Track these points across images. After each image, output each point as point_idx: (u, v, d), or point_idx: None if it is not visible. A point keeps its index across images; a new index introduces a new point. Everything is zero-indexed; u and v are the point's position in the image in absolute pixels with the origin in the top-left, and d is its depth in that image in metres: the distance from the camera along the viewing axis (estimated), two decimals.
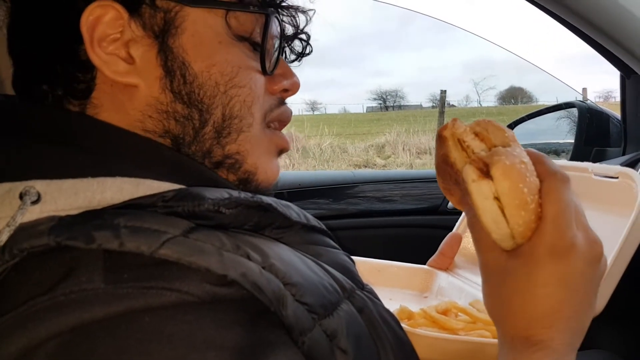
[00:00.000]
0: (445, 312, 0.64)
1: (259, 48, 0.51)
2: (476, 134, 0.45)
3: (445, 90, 9.37)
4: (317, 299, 0.42)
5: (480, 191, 0.40)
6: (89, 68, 0.47)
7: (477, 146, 0.44)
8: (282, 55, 0.56)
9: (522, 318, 0.42)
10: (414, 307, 0.66)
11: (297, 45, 0.59)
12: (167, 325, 0.35)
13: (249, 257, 0.40)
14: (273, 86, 0.54)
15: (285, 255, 0.44)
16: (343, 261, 0.54)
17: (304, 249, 0.50)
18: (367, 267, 0.78)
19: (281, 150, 0.56)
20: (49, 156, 0.43)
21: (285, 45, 0.58)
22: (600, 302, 0.58)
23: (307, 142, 8.66)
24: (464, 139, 0.44)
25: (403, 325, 0.53)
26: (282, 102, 0.55)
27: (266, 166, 0.53)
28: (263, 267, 0.40)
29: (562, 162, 0.72)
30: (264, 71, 0.51)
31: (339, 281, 0.48)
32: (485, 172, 0.40)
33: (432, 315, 0.61)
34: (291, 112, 0.57)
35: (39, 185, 0.40)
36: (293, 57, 0.60)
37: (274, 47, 0.54)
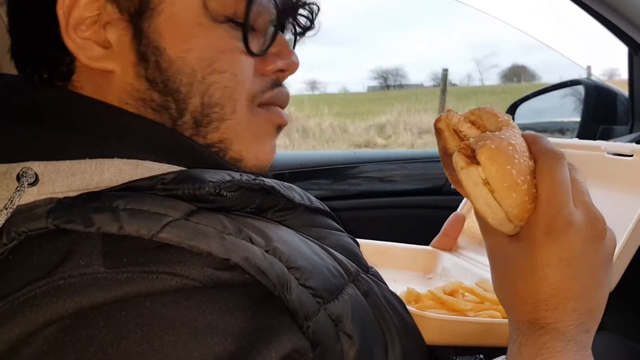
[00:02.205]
0: (452, 293, 0.63)
1: (241, 27, 0.48)
2: (472, 123, 0.44)
3: (447, 69, 9.34)
4: (322, 282, 0.42)
5: (470, 177, 0.40)
6: (68, 51, 0.45)
7: (473, 134, 0.44)
8: (279, 32, 0.52)
9: (527, 302, 0.42)
10: (419, 288, 0.65)
11: (302, 19, 0.55)
12: (168, 311, 0.34)
13: (251, 241, 0.39)
14: (265, 67, 0.50)
15: (288, 238, 0.43)
16: (347, 244, 0.53)
17: (308, 231, 0.49)
18: (370, 249, 0.78)
19: (280, 127, 0.53)
20: (46, 137, 0.42)
21: (285, 20, 0.54)
22: (612, 279, 0.57)
23: (307, 122, 8.64)
24: (460, 128, 0.44)
25: (411, 308, 0.52)
26: (276, 84, 0.51)
27: (257, 150, 0.51)
28: (266, 251, 0.39)
29: (574, 142, 0.71)
30: (250, 52, 0.48)
31: (344, 264, 0.47)
32: (473, 158, 0.40)
33: (440, 296, 0.60)
34: (288, 95, 0.53)
35: (36, 166, 0.39)
36: (295, 33, 0.56)
37: (267, 24, 0.50)
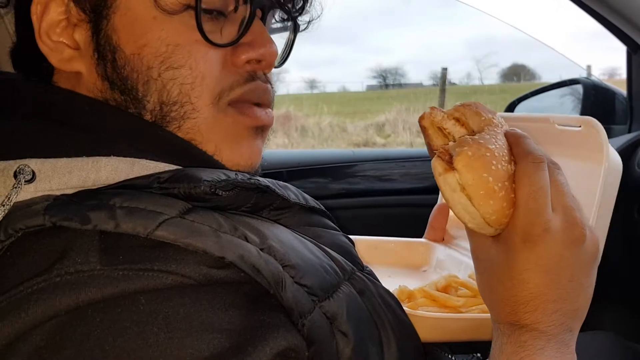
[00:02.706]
0: (445, 289, 0.63)
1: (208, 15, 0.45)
2: (456, 120, 0.44)
3: (447, 68, 9.32)
4: (317, 281, 0.42)
5: (447, 184, 0.40)
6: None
7: (457, 132, 0.44)
8: (257, 19, 0.47)
9: (507, 304, 0.42)
10: (413, 283, 0.65)
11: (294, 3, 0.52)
12: (163, 308, 0.34)
13: (246, 239, 0.39)
14: (236, 58, 0.46)
15: (283, 237, 0.43)
16: (343, 243, 0.53)
17: (303, 230, 0.49)
18: (363, 244, 0.78)
19: (258, 128, 0.49)
20: (43, 135, 0.42)
21: (263, 6, 0.49)
22: None
23: (306, 121, 8.63)
24: (444, 126, 0.44)
25: (404, 307, 0.52)
26: (251, 78, 0.47)
27: (232, 152, 0.47)
28: (261, 249, 0.40)
29: (523, 115, 0.71)
30: (210, 42, 0.44)
31: (339, 263, 0.47)
32: (452, 163, 0.40)
33: (432, 294, 0.61)
34: (266, 90, 0.49)
35: (33, 163, 0.39)
36: (284, 18, 0.54)
37: (235, 10, 0.47)
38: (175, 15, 0.44)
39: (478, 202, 0.40)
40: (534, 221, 0.40)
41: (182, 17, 0.44)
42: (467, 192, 0.40)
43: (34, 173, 0.39)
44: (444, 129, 0.44)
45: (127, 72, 0.45)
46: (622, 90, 1.46)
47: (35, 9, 0.45)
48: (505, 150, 0.42)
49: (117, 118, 0.45)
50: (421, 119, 0.45)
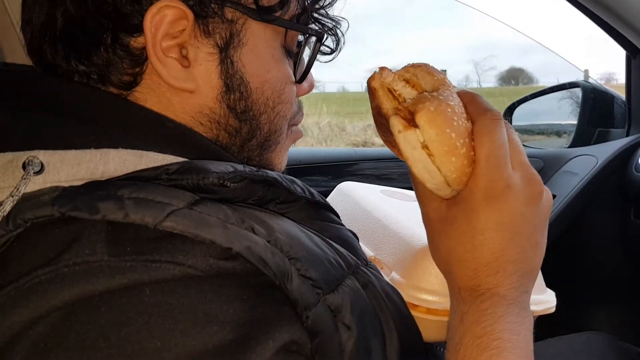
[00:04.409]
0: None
1: (294, 58, 0.52)
2: (406, 81, 0.43)
3: (446, 70, 9.28)
4: (322, 274, 0.42)
5: (408, 141, 0.39)
6: (139, 62, 0.45)
7: (408, 93, 0.42)
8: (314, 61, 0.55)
9: (467, 267, 0.41)
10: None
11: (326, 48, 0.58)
12: (169, 299, 0.34)
13: (253, 231, 0.40)
14: (299, 92, 0.54)
15: (290, 230, 0.44)
16: (347, 237, 0.54)
17: (309, 224, 0.50)
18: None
19: (295, 141, 0.58)
20: (52, 126, 0.42)
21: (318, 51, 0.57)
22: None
23: (306, 121, 8.62)
24: (394, 87, 0.42)
25: (413, 313, 0.53)
26: (301, 107, 0.56)
27: (283, 161, 0.56)
28: (268, 241, 0.40)
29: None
30: (298, 81, 0.53)
31: (344, 257, 0.48)
32: (411, 121, 0.39)
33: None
34: (303, 115, 0.58)
35: (42, 155, 0.39)
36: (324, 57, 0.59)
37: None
38: (288, 58, 0.50)
39: (440, 160, 0.39)
40: (496, 178, 0.40)
41: (288, 60, 0.51)
42: (428, 149, 0.39)
43: (42, 165, 0.39)
44: (394, 90, 0.42)
45: (250, 103, 0.49)
46: (620, 94, 1.47)
47: (151, 18, 0.43)
48: (462, 109, 0.41)
49: (126, 111, 0.45)
50: (371, 79, 0.43)
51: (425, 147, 0.39)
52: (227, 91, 0.47)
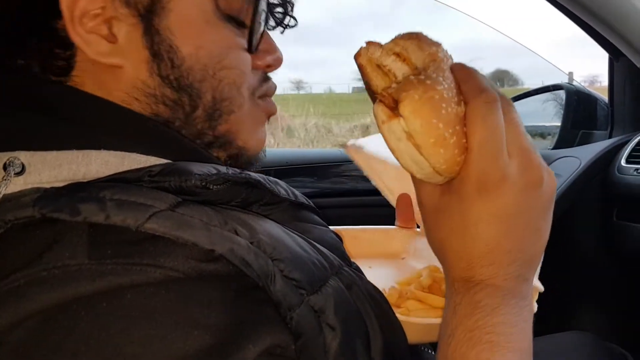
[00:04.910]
0: (431, 287, 0.63)
1: (245, 25, 0.50)
2: (397, 55, 0.39)
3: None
4: (305, 275, 0.42)
5: (392, 132, 0.36)
6: (68, 45, 0.44)
7: (399, 69, 0.39)
8: (266, 28, 0.54)
9: (461, 258, 0.40)
10: (394, 272, 0.65)
11: (279, 14, 0.58)
12: (150, 303, 0.34)
13: (236, 233, 0.40)
14: (257, 62, 0.52)
15: (273, 231, 0.44)
16: (331, 238, 0.54)
17: (292, 225, 0.49)
18: (343, 234, 0.78)
19: (269, 116, 0.56)
20: (33, 127, 0.42)
21: (270, 17, 0.56)
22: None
23: (292, 122, 8.61)
24: (383, 63, 0.39)
25: (398, 315, 0.53)
26: (267, 77, 0.54)
27: (255, 138, 0.53)
28: (251, 243, 0.40)
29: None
30: (249, 49, 0.50)
31: (327, 258, 0.48)
32: (396, 109, 0.36)
33: (419, 295, 0.61)
34: (276, 87, 0.56)
35: (23, 156, 0.39)
36: (275, 27, 0.58)
37: (253, 21, 0.52)
38: (226, 22, 0.48)
39: (427, 152, 0.36)
40: (489, 169, 0.38)
41: (229, 24, 0.49)
42: (414, 140, 0.36)
43: (23, 165, 0.39)
44: (384, 66, 0.39)
45: (184, 71, 0.46)
46: (603, 96, 1.49)
47: None
48: (454, 89, 0.37)
49: (108, 111, 0.45)
50: (357, 55, 0.40)
51: (411, 136, 0.36)
52: (155, 60, 0.46)
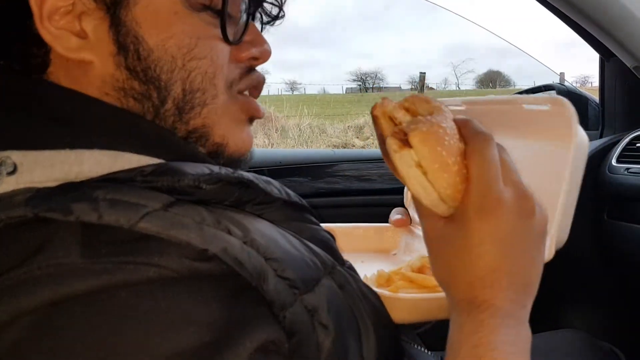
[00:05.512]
0: (420, 269, 0.64)
1: (219, 14, 0.49)
2: (406, 109, 0.45)
3: (425, 73, 9.42)
4: (299, 274, 0.42)
5: (403, 160, 0.41)
6: (42, 43, 0.45)
7: (407, 121, 0.44)
8: (251, 20, 0.53)
9: (464, 281, 0.43)
10: (386, 266, 0.66)
11: (270, 7, 0.57)
12: (144, 301, 0.34)
13: (229, 232, 0.40)
14: (240, 54, 0.51)
15: (266, 231, 0.44)
16: (324, 237, 0.54)
17: (286, 225, 0.50)
18: (335, 232, 0.79)
19: (252, 118, 0.54)
20: (26, 127, 0.42)
21: (256, 9, 0.55)
22: (563, 234, 0.58)
23: (286, 122, 8.60)
24: (394, 115, 0.45)
25: (384, 291, 0.53)
26: (251, 70, 0.53)
27: (236, 136, 0.52)
28: (244, 242, 0.40)
29: (490, 98, 0.71)
30: (226, 40, 0.49)
31: (321, 257, 0.48)
32: (406, 141, 0.41)
33: (409, 275, 0.62)
34: (264, 78, 0.55)
35: (15, 155, 0.39)
36: (266, 20, 0.58)
37: (240, 12, 0.52)
38: (198, 12, 0.47)
39: (433, 176, 0.41)
40: (487, 192, 0.41)
41: (202, 14, 0.48)
42: (422, 167, 0.41)
43: (15, 165, 0.38)
44: (395, 118, 0.45)
45: (150, 62, 0.46)
46: (594, 96, 1.50)
47: None
48: (455, 131, 0.43)
49: (101, 111, 0.45)
50: (373, 109, 0.46)
51: (419, 165, 0.41)
52: (122, 52, 0.46)
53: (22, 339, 0.32)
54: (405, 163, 0.41)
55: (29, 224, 0.36)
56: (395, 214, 0.86)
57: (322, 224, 0.57)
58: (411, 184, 0.42)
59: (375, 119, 0.46)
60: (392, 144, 0.42)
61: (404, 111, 0.45)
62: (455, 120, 0.44)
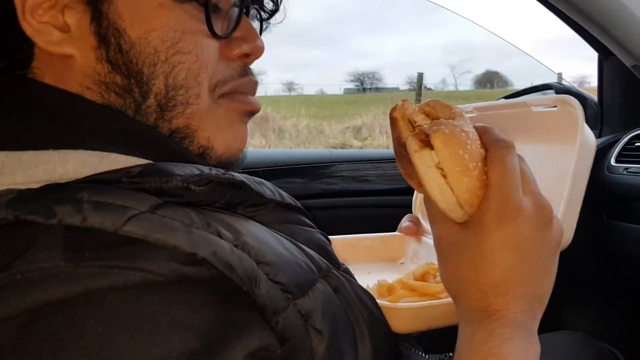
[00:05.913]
0: (423, 276, 0.64)
1: (216, 10, 0.48)
2: (426, 114, 0.45)
3: (423, 73, 9.43)
4: (292, 278, 0.41)
5: (423, 160, 0.41)
6: (26, 37, 0.44)
7: (427, 125, 0.44)
8: (244, 15, 0.51)
9: (477, 288, 0.42)
10: (393, 276, 0.66)
11: (267, 3, 0.55)
12: (130, 306, 0.33)
13: (219, 235, 0.39)
14: (230, 51, 0.49)
15: (258, 233, 0.43)
16: (319, 240, 0.53)
17: (279, 227, 0.49)
18: (340, 244, 0.79)
19: (249, 113, 0.52)
20: (8, 126, 0.41)
21: (248, 3, 0.53)
22: (567, 234, 0.58)
23: (284, 123, 8.61)
24: (414, 119, 0.45)
25: (384, 302, 0.52)
26: (245, 72, 0.50)
27: (225, 138, 0.49)
28: (235, 245, 0.39)
29: (499, 102, 0.72)
30: (213, 34, 0.47)
31: (315, 260, 0.47)
32: (427, 142, 0.41)
33: (410, 284, 0.61)
34: (256, 84, 0.52)
35: None
36: (265, 17, 0.56)
37: (230, 7, 0.50)
38: (181, 4, 0.46)
39: (453, 179, 0.41)
40: (507, 200, 0.41)
41: (186, 7, 0.46)
42: (442, 169, 0.41)
43: None
44: (414, 122, 0.45)
45: (132, 55, 0.45)
46: (593, 95, 1.50)
47: None
48: (476, 136, 0.43)
49: (87, 110, 0.44)
50: (393, 110, 0.46)
51: (439, 167, 0.41)
52: (103, 45, 0.44)
53: (4, 346, 0.31)
54: (424, 163, 0.41)
55: (9, 227, 0.35)
56: (406, 221, 0.85)
57: (330, 237, 0.56)
58: (429, 186, 0.41)
59: (393, 121, 0.46)
60: (413, 143, 0.41)
61: (423, 115, 0.45)
62: (476, 128, 0.44)
